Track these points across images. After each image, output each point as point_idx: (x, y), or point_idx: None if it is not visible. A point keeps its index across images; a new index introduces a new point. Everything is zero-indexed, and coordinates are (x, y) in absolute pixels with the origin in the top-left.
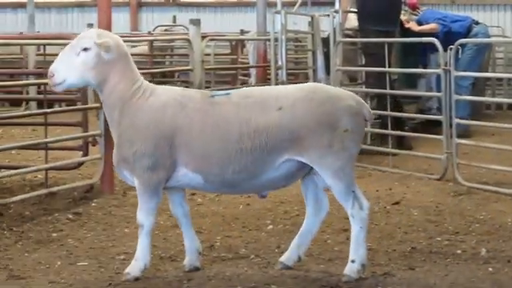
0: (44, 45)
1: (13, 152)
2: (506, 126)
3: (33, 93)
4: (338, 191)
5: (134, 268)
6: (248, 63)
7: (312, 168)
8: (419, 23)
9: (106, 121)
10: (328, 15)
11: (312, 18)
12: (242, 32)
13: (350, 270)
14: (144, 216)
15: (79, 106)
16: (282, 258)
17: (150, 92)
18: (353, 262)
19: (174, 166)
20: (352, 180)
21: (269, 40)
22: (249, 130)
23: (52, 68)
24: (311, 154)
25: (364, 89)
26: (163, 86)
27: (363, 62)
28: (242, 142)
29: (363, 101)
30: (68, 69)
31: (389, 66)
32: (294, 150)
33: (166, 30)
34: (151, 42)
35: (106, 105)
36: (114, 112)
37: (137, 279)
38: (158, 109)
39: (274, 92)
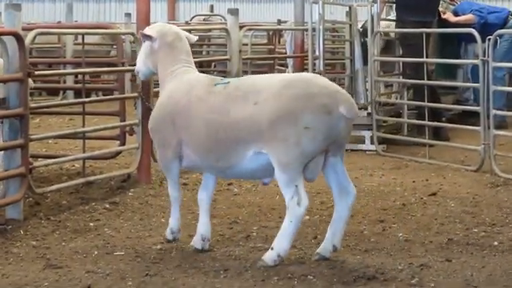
0: (82, 34)
1: (50, 141)
2: None
3: (70, 82)
4: (280, 181)
5: (166, 233)
6: (285, 53)
7: (329, 157)
8: (456, 14)
9: (143, 110)
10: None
11: (350, 8)
12: (280, 22)
13: (267, 256)
14: (170, 187)
15: (116, 96)
16: (319, 249)
17: (179, 76)
18: (271, 249)
19: (180, 145)
20: (297, 175)
21: (306, 30)
22: (226, 121)
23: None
24: (269, 146)
25: (401, 79)
26: (192, 73)
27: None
28: (218, 132)
29: (348, 97)
30: (139, 60)
31: (426, 57)
32: (259, 142)
33: (203, 20)
34: (189, 31)
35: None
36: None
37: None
38: (171, 92)
39: (259, 85)
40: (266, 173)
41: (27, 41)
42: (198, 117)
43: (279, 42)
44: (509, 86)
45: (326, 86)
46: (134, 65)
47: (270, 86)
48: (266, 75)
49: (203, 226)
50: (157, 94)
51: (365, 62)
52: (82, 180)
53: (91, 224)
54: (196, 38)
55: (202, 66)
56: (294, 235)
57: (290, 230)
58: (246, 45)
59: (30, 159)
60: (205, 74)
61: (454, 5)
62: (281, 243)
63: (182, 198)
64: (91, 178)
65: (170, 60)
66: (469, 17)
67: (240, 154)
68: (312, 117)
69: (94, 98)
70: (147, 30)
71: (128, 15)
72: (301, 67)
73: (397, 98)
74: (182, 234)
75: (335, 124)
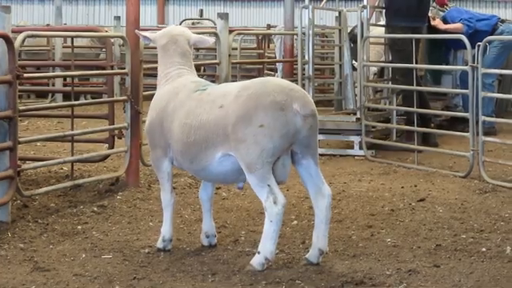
0: (71, 37)
1: (38, 144)
2: None
3: (59, 85)
4: (252, 184)
5: (159, 240)
6: (274, 58)
7: (300, 160)
8: (445, 21)
9: (132, 114)
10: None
11: (339, 13)
12: (269, 26)
13: (255, 261)
14: (162, 192)
15: (105, 99)
16: (307, 255)
17: (171, 80)
18: (258, 253)
19: (169, 147)
20: (266, 174)
21: (296, 35)
22: (196, 125)
23: None
24: (234, 148)
25: (390, 85)
26: (185, 76)
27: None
28: (189, 135)
29: (302, 94)
30: None
31: (416, 63)
32: (225, 144)
33: (192, 24)
34: None
35: None
36: None
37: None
38: (162, 95)
39: (226, 90)
40: (237, 176)
41: (17, 43)
42: (176, 121)
43: (268, 47)
44: (498, 93)
45: (279, 85)
46: (123, 68)
47: (233, 90)
48: (238, 82)
49: (205, 224)
50: (146, 98)
51: (353, 67)
52: (70, 183)
53: (79, 227)
54: (212, 40)
55: None
56: (277, 235)
57: (272, 230)
58: (236, 49)
59: (19, 162)
60: (195, 79)
61: (443, 11)
62: (265, 246)
63: (175, 203)
64: (79, 181)
65: (163, 62)
66: (458, 25)
67: (209, 156)
68: (264, 114)
69: (82, 100)
70: (147, 33)
71: (117, 18)
72: (290, 72)
73: (386, 104)
74: None
75: (291, 121)
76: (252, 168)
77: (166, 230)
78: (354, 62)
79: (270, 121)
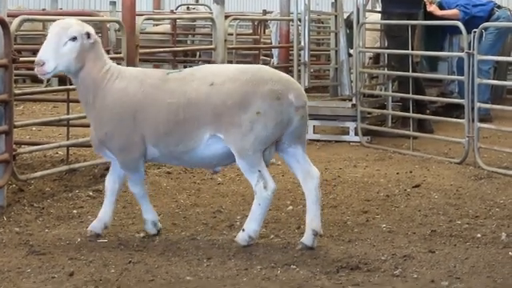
0: None
1: (34, 128)
2: None
3: None
4: (243, 168)
5: (146, 227)
6: (270, 43)
7: (287, 148)
8: (440, 7)
9: None
10: None
11: None
12: (265, 12)
13: (239, 237)
14: (133, 186)
15: None
16: (302, 239)
17: (116, 75)
18: (243, 230)
19: (144, 142)
20: (257, 160)
21: (292, 20)
22: (184, 102)
23: (42, 57)
24: (225, 131)
25: (386, 71)
26: (130, 68)
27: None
28: (178, 113)
29: (298, 85)
30: (57, 58)
31: (411, 49)
32: (214, 125)
33: (188, 9)
34: (174, 20)
35: (80, 90)
36: (89, 96)
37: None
38: (122, 89)
39: (216, 70)
40: (221, 161)
41: (12, 27)
42: (157, 104)
43: (264, 33)
44: (493, 79)
45: (276, 74)
46: (119, 53)
47: (227, 71)
48: (221, 65)
49: (106, 213)
50: None
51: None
52: (65, 167)
53: (74, 211)
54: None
55: (187, 56)
56: (262, 217)
57: (259, 213)
58: (231, 35)
59: (14, 146)
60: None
61: None
62: (250, 225)
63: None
64: (75, 166)
65: (100, 59)
66: (454, 12)
67: (197, 137)
68: (262, 101)
69: None
70: (81, 27)
71: (113, 3)
72: (286, 58)
73: (381, 90)
74: (166, 223)
75: (286, 111)
76: (243, 154)
77: (151, 214)
78: (350, 50)
79: (267, 109)
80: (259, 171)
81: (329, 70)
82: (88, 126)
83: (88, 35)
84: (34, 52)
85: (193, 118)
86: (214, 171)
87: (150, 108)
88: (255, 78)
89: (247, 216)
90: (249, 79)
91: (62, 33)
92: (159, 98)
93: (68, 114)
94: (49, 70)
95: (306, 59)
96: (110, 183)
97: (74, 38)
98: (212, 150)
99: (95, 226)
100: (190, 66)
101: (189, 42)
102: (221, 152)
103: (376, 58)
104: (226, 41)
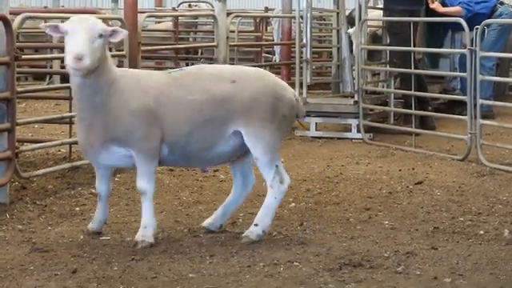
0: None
1: (36, 126)
2: None
3: (57, 67)
4: (264, 163)
5: (147, 234)
6: (272, 41)
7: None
8: (443, 4)
9: None
10: None
11: None
12: (267, 9)
13: (252, 232)
14: (148, 182)
15: None
16: (205, 224)
17: (123, 73)
18: (256, 225)
19: (162, 132)
20: (277, 156)
21: (294, 18)
22: (207, 98)
23: (82, 51)
24: (253, 125)
25: (388, 68)
26: (129, 69)
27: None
28: (203, 111)
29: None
30: (91, 54)
31: (413, 46)
32: (241, 121)
33: (189, 6)
34: (176, 17)
35: (85, 92)
36: (97, 97)
37: (152, 245)
38: (136, 85)
39: (227, 68)
40: (229, 157)
41: (15, 25)
42: (175, 102)
43: (266, 30)
44: (496, 76)
45: (285, 84)
46: (121, 50)
47: (245, 69)
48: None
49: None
50: None
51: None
52: (68, 165)
53: (77, 209)
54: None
55: (189, 53)
56: (274, 212)
57: (274, 207)
58: (233, 32)
59: (17, 143)
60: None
61: None
62: (264, 220)
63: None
64: (77, 163)
65: (110, 58)
66: (457, 9)
67: (221, 133)
68: (286, 105)
69: None
70: (104, 25)
71: (115, 1)
72: (288, 55)
73: (383, 87)
74: (168, 220)
75: (294, 119)
76: (268, 149)
77: (153, 220)
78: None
79: (289, 114)
80: (276, 166)
81: (331, 67)
82: None
83: (111, 33)
84: (37, 49)
85: (219, 115)
86: (205, 170)
87: (169, 106)
88: (278, 82)
89: (250, 213)
90: (273, 82)
91: (92, 29)
92: (179, 95)
93: (70, 111)
94: (86, 66)
95: (308, 56)
96: (104, 190)
97: (101, 36)
98: (230, 146)
99: (94, 226)
100: (192, 64)
101: (191, 40)
102: (236, 147)
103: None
104: (227, 38)
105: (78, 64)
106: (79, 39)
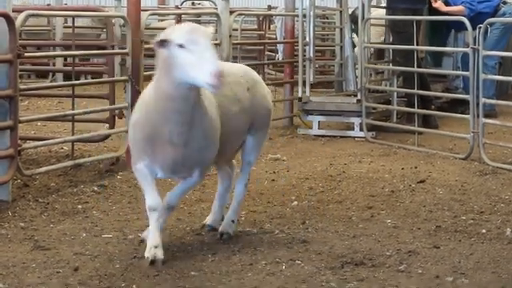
0: (72, 17)
1: (39, 123)
2: None
3: (59, 65)
4: (254, 159)
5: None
6: (275, 39)
7: None
8: (446, 3)
9: (132, 93)
10: None
11: None
12: (270, 8)
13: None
14: (191, 186)
15: (106, 79)
16: (208, 221)
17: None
18: (232, 222)
19: None
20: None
21: (297, 16)
22: (239, 107)
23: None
24: (258, 131)
25: (391, 66)
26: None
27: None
28: (231, 120)
29: None
30: None
31: (416, 45)
32: (251, 128)
33: (193, 4)
34: (179, 15)
35: (182, 106)
36: (188, 113)
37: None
38: (208, 98)
39: (237, 70)
40: None
41: (18, 22)
42: (224, 110)
43: (269, 28)
44: (498, 75)
45: None
46: (124, 48)
47: (246, 72)
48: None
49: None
50: (146, 78)
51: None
52: (70, 162)
53: (79, 206)
54: None
55: None
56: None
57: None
58: (236, 30)
59: (19, 141)
60: None
61: None
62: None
63: None
64: (80, 161)
65: None
66: (459, 8)
67: (240, 141)
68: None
69: (83, 80)
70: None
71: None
72: (291, 53)
73: (386, 86)
74: (171, 218)
75: None
76: (260, 147)
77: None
78: (353, 35)
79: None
80: None
81: (334, 66)
82: (91, 121)
83: None
84: (40, 47)
85: (246, 122)
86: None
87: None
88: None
89: (252, 211)
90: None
91: (210, 38)
92: (223, 104)
93: (73, 109)
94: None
95: (311, 55)
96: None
97: None
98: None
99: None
100: None
101: None
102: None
103: (379, 52)
104: (230, 36)
105: (221, 81)
106: (212, 54)
